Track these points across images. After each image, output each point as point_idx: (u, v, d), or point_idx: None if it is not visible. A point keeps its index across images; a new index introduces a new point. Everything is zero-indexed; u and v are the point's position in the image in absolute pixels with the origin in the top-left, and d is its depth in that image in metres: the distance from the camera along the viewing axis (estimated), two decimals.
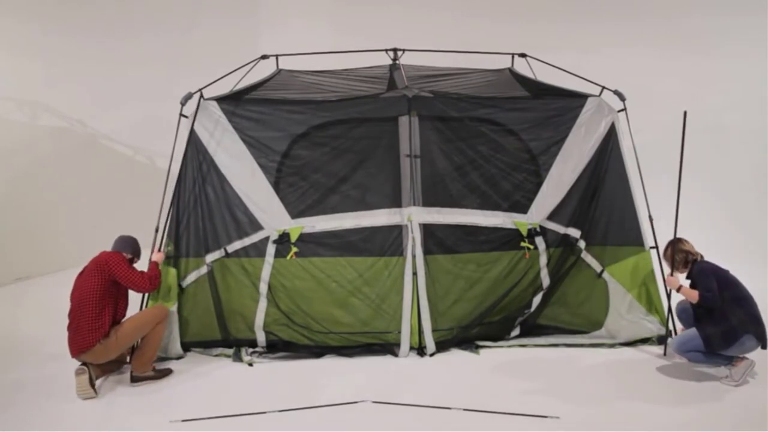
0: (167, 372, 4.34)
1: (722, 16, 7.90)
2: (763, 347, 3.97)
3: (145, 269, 4.36)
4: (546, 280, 4.96)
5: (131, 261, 4.34)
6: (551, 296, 5.00)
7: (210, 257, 4.79)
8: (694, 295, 4.05)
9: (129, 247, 4.35)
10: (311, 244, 4.83)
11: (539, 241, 4.97)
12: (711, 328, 3.98)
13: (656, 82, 7.85)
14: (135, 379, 4.18)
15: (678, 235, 4.42)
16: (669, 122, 7.96)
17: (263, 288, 4.78)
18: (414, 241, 4.79)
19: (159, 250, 4.59)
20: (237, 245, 4.82)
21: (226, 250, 4.81)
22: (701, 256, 4.32)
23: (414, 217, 4.82)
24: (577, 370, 4.40)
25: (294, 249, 4.79)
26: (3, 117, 7.58)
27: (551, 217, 5.02)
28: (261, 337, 4.78)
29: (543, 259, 4.97)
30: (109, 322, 4.02)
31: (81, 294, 4.03)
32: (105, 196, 8.59)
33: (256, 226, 4.83)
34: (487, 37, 8.25)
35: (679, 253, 4.30)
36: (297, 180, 4.89)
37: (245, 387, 4.17)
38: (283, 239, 4.81)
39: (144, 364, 4.20)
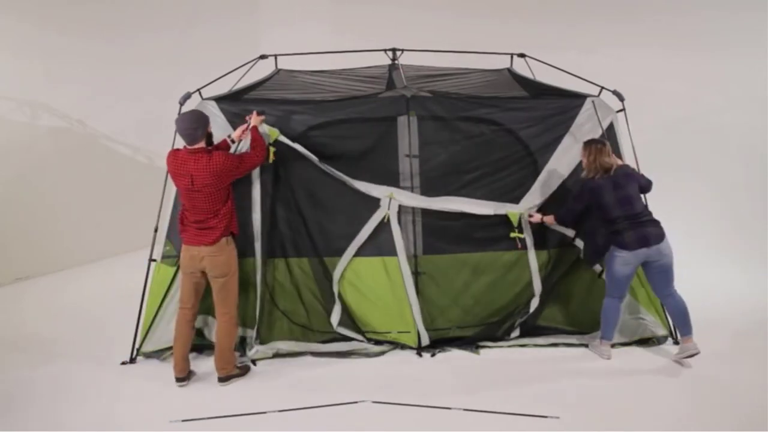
0: (248, 368, 4.41)
1: (722, 16, 7.88)
2: (628, 249, 4.29)
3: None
4: (546, 281, 4.96)
5: (210, 136, 4.14)
6: (551, 296, 4.99)
7: None
8: (551, 220, 4.76)
9: (201, 126, 4.02)
10: (311, 244, 4.82)
11: (539, 241, 4.96)
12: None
13: (656, 82, 7.84)
14: (222, 380, 4.21)
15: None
16: (669, 122, 8.01)
17: (262, 287, 4.77)
18: (407, 235, 4.80)
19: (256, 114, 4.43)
20: None
21: None
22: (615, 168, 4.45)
23: (396, 196, 4.76)
24: (577, 370, 4.40)
25: (272, 150, 4.61)
26: (3, 117, 7.56)
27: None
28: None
29: (542, 259, 4.96)
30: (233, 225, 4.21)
31: (204, 201, 4.03)
32: (105, 196, 8.57)
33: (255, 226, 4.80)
34: (487, 37, 8.23)
35: (595, 160, 4.47)
36: None
37: (245, 387, 4.18)
38: None
39: (228, 362, 4.22)
